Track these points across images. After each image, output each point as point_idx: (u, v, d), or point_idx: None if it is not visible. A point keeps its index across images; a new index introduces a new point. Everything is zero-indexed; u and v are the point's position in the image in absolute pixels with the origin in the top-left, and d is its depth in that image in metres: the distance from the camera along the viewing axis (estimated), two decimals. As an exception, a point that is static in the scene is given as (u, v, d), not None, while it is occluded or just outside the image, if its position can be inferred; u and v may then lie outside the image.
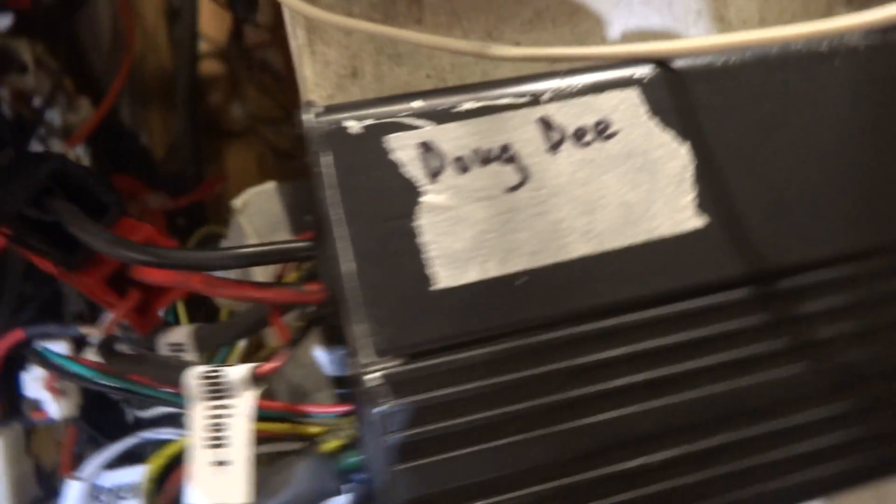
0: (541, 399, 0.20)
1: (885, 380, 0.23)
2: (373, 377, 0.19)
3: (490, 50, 0.23)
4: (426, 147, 0.20)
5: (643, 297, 0.21)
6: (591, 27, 0.29)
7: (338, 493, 0.21)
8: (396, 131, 0.20)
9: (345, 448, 0.22)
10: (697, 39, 0.21)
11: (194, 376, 0.20)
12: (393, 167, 0.20)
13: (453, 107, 0.20)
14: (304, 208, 0.27)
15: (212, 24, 0.66)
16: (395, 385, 0.19)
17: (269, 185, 0.27)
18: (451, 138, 0.20)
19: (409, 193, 0.20)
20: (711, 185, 0.21)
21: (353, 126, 0.19)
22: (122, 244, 0.21)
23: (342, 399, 0.26)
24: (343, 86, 0.28)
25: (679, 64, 0.21)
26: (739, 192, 0.21)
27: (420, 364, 0.20)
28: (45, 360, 0.24)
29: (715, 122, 0.21)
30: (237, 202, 0.27)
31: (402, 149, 0.20)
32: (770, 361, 0.22)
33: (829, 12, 0.31)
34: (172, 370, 0.21)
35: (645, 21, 0.30)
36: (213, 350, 0.26)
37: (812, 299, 0.22)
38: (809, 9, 0.32)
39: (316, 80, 0.27)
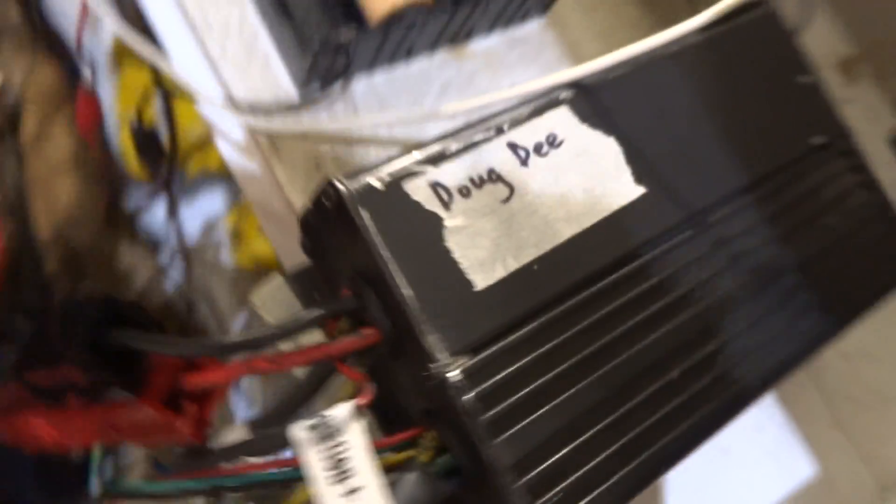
0: (580, 352, 0.25)
1: (800, 269, 0.30)
2: (453, 375, 0.23)
3: (441, 109, 0.29)
4: (435, 185, 0.25)
5: (622, 254, 0.27)
6: (489, 83, 0.36)
7: (448, 492, 0.25)
8: (409, 179, 0.25)
9: (434, 457, 0.25)
10: (591, 63, 0.28)
11: (302, 429, 0.23)
12: (416, 207, 0.24)
13: (444, 151, 0.25)
14: (309, 289, 0.31)
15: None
16: (471, 376, 0.23)
17: (277, 279, 0.31)
18: (451, 174, 0.25)
19: (433, 224, 0.24)
20: (639, 162, 0.28)
21: (376, 183, 0.24)
22: (204, 342, 0.24)
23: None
24: (312, 178, 0.32)
25: (586, 82, 0.28)
26: (660, 161, 0.28)
27: (483, 354, 0.24)
28: (135, 494, 0.26)
29: (625, 115, 0.28)
30: (256, 300, 0.30)
31: (418, 191, 0.25)
32: (723, 276, 0.28)
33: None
34: (276, 436, 0.24)
35: (524, 73, 0.38)
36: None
37: (733, 223, 0.29)
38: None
39: (289, 181, 0.32)
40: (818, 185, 0.31)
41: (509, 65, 0.38)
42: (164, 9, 0.34)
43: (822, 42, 0.44)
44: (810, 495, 0.37)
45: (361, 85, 0.34)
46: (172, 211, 0.63)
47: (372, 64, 0.34)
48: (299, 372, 0.31)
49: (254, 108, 0.32)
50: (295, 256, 0.33)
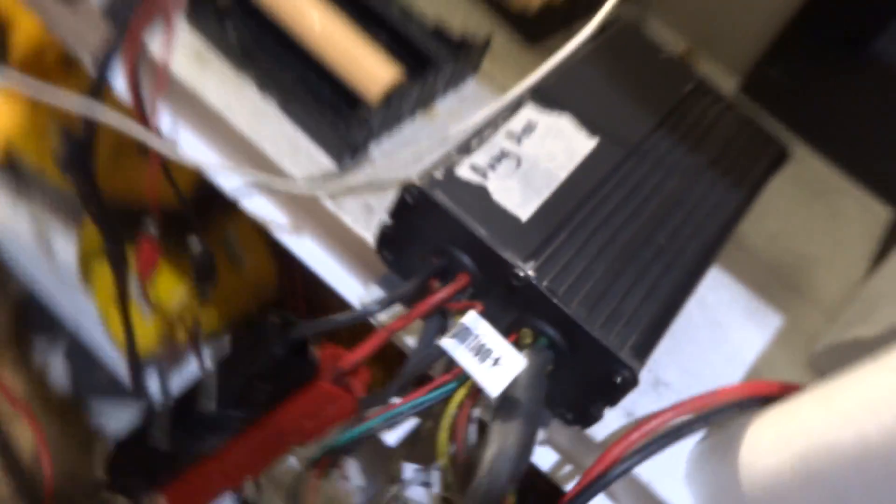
0: (601, 238, 0.37)
1: (711, 167, 0.44)
2: (532, 271, 0.35)
3: (449, 131, 0.42)
4: (473, 167, 0.37)
5: (601, 179, 0.40)
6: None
7: (551, 361, 0.36)
8: (457, 167, 0.37)
9: (534, 340, 0.36)
10: (532, 75, 0.42)
11: (448, 339, 0.34)
12: (466, 183, 0.37)
13: (470, 145, 0.38)
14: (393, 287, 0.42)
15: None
16: (540, 269, 0.35)
17: (370, 284, 0.42)
18: (480, 158, 0.38)
19: (481, 190, 0.37)
20: (587, 124, 0.42)
21: (438, 175, 0.37)
22: (361, 309, 0.35)
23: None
24: (368, 218, 0.44)
25: (536, 88, 0.42)
26: (598, 121, 0.42)
27: (542, 255, 0.36)
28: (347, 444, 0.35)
29: (567, 101, 0.42)
30: (362, 302, 0.41)
31: (465, 173, 0.37)
32: (666, 180, 0.42)
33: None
34: (430, 352, 0.35)
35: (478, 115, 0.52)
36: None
37: (659, 148, 0.43)
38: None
39: (354, 222, 0.43)
40: (702, 112, 0.46)
41: (466, 113, 0.52)
42: (232, 141, 0.46)
43: (661, 40, 0.61)
44: (785, 337, 0.49)
45: (375, 150, 0.47)
46: (200, 360, 0.73)
47: (378, 134, 0.47)
48: (411, 342, 0.41)
49: (313, 183, 0.44)
50: (353, 290, 0.45)
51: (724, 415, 0.38)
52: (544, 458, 0.45)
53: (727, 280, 0.51)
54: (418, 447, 0.42)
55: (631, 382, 0.35)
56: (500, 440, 0.33)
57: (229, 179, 0.48)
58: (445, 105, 0.52)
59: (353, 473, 0.41)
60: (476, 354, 0.34)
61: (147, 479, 0.41)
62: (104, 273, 1.13)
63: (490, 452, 0.32)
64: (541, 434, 0.41)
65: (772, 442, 0.35)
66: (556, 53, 0.43)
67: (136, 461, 0.40)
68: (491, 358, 0.34)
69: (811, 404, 0.35)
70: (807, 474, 0.32)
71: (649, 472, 0.40)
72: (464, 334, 0.34)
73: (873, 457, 0.30)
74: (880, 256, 0.55)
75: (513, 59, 0.57)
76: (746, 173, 0.46)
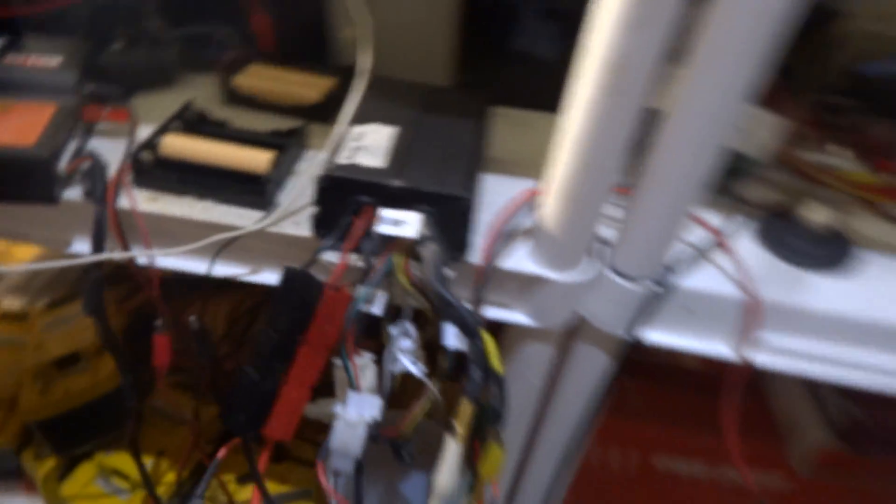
0: (422, 157, 0.71)
1: (454, 116, 0.80)
2: (399, 181, 0.67)
3: (318, 160, 0.74)
4: (345, 157, 0.70)
5: (409, 138, 0.74)
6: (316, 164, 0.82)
7: (433, 222, 0.67)
8: (337, 160, 0.69)
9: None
10: (346, 113, 0.75)
11: (380, 228, 0.64)
12: (346, 165, 0.69)
13: (337, 152, 0.70)
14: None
15: None
16: (403, 178, 0.68)
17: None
18: (346, 153, 0.70)
19: (355, 164, 0.69)
20: (387, 121, 0.76)
21: (331, 165, 0.68)
22: (322, 245, 0.64)
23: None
24: (300, 229, 0.74)
25: (353, 118, 0.76)
26: (391, 117, 0.77)
27: (400, 174, 0.68)
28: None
29: (370, 117, 0.76)
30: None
31: (343, 160, 0.69)
32: (436, 129, 0.77)
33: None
34: (374, 241, 0.65)
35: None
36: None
37: (427, 118, 0.78)
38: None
39: (294, 232, 0.73)
40: (440, 95, 0.83)
41: (313, 167, 0.84)
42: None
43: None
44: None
45: (279, 198, 0.78)
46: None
47: (277, 188, 0.78)
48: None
49: (260, 222, 0.73)
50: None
51: (522, 216, 0.72)
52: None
53: (502, 178, 0.86)
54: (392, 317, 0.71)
55: (470, 206, 0.68)
56: (427, 251, 0.64)
57: (199, 264, 0.76)
58: (300, 167, 0.84)
59: (365, 353, 0.68)
60: (394, 225, 0.65)
61: (253, 421, 0.65)
62: (74, 482, 1.27)
63: (425, 257, 0.63)
64: (451, 273, 0.73)
65: (549, 200, 0.69)
66: (348, 104, 0.78)
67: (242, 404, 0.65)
68: (403, 223, 0.65)
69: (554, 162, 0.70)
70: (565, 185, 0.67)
71: (513, 264, 0.73)
72: (383, 221, 0.65)
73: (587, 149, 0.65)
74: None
75: (324, 132, 0.91)
76: (475, 112, 0.83)
